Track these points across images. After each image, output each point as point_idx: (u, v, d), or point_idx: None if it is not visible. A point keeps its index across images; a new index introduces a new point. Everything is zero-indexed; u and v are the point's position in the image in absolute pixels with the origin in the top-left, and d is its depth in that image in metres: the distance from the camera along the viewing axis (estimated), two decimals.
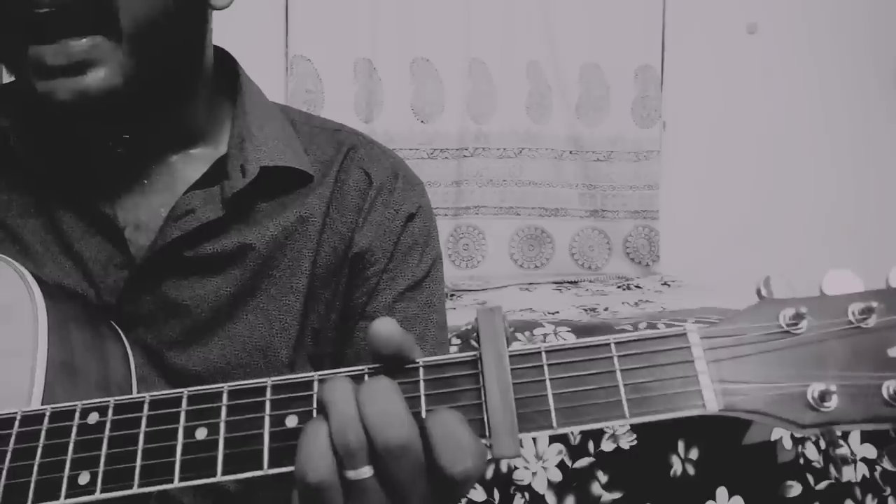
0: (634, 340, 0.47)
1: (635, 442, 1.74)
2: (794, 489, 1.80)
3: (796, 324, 0.46)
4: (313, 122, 0.86)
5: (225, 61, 0.82)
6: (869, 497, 1.83)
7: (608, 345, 0.48)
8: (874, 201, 2.86)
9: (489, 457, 0.47)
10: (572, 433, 1.73)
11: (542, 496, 1.72)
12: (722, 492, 1.77)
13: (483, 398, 0.48)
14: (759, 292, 0.47)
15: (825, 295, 0.46)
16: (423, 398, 0.49)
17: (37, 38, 0.63)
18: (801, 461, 1.80)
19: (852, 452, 1.82)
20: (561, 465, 1.73)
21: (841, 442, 0.44)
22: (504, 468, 1.72)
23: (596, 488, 1.74)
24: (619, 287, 2.60)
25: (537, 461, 1.72)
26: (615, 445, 1.74)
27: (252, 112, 0.78)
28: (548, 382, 0.48)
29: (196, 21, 0.73)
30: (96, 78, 0.65)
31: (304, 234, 0.77)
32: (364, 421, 0.47)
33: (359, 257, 0.79)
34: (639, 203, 2.77)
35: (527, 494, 1.72)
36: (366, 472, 0.47)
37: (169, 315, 0.73)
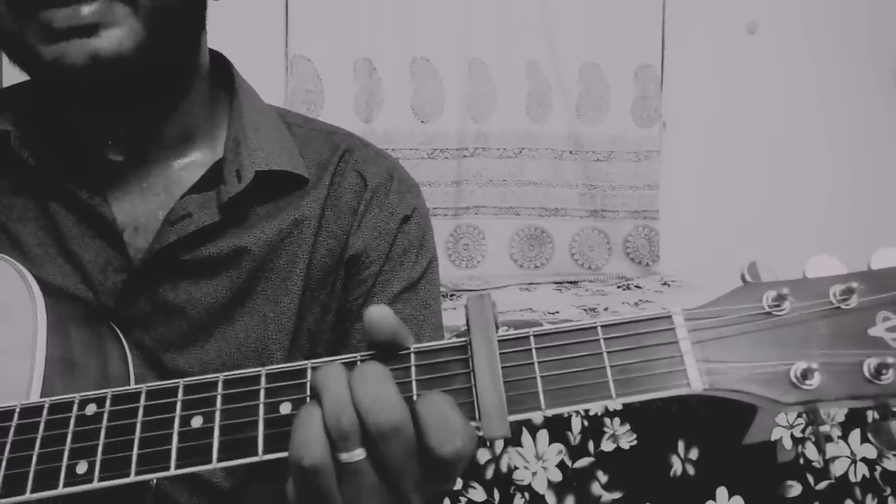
0: (621, 323, 0.49)
1: (635, 442, 1.74)
2: (794, 489, 1.80)
3: (779, 305, 0.47)
4: (310, 125, 0.86)
5: (219, 64, 0.82)
6: (869, 497, 1.84)
7: (595, 328, 0.49)
8: (874, 201, 2.86)
9: (481, 438, 0.48)
10: (572, 432, 1.73)
11: (542, 496, 1.73)
12: (722, 492, 1.78)
13: (473, 382, 0.49)
14: (743, 277, 0.48)
15: (807, 278, 0.47)
16: (414, 383, 0.50)
17: (48, 3, 0.62)
18: (801, 461, 1.80)
19: (852, 452, 1.83)
20: (561, 465, 1.73)
21: (824, 419, 0.45)
22: (504, 468, 1.72)
23: (596, 488, 1.74)
24: (619, 287, 2.60)
25: (537, 461, 1.72)
26: (615, 445, 1.74)
27: (248, 115, 0.79)
28: (536, 365, 0.49)
29: (198, 10, 0.74)
30: (110, 39, 0.64)
31: (300, 237, 0.78)
32: (356, 405, 0.48)
33: (354, 259, 0.80)
34: (639, 203, 2.77)
35: (527, 494, 1.72)
36: (358, 454, 0.48)
37: (166, 317, 0.74)
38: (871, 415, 0.46)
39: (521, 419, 0.48)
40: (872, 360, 0.44)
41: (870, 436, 0.43)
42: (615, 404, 0.46)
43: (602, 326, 0.49)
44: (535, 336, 0.49)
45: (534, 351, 0.49)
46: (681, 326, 0.48)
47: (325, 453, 0.48)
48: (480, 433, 0.48)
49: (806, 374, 0.44)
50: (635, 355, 0.48)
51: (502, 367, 0.49)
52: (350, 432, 0.47)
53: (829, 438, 0.47)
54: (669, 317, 0.48)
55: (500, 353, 0.49)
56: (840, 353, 0.44)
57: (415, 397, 0.50)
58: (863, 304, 0.46)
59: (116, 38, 0.64)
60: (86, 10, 0.62)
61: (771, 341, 0.46)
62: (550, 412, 0.47)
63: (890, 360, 0.44)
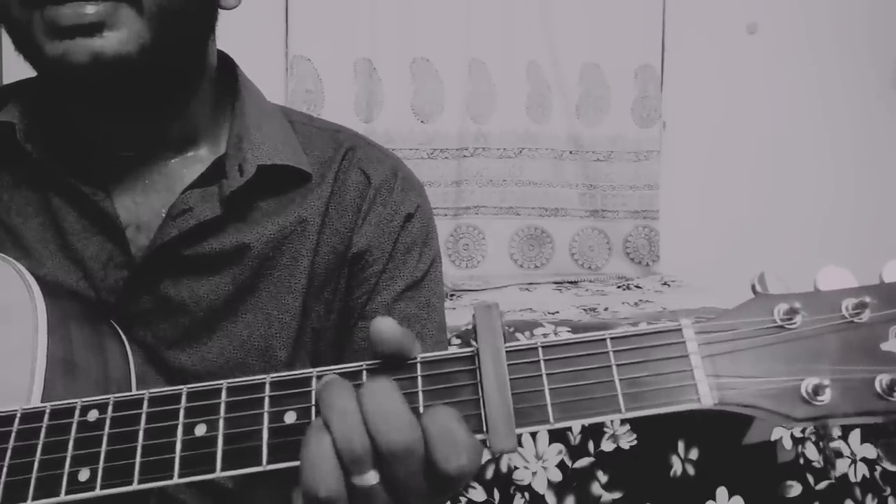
0: (630, 336, 0.48)
1: (635, 442, 1.74)
2: (794, 489, 1.80)
3: (790, 319, 0.46)
4: (313, 123, 0.86)
5: (224, 64, 0.82)
6: (869, 497, 1.83)
7: (604, 340, 0.48)
8: (874, 201, 2.86)
9: (488, 451, 0.47)
10: (572, 433, 1.73)
11: (542, 496, 1.73)
12: (722, 492, 1.78)
13: (480, 394, 0.48)
14: (753, 288, 0.47)
15: (819, 290, 0.47)
16: (420, 394, 0.50)
17: (54, 0, 0.62)
18: (801, 461, 1.80)
19: (852, 452, 1.83)
20: (561, 465, 1.73)
21: (834, 435, 0.44)
22: (504, 468, 1.72)
23: (596, 488, 1.74)
24: (619, 287, 2.60)
25: (537, 461, 1.72)
26: (615, 445, 1.74)
27: (250, 113, 0.79)
28: (544, 378, 0.48)
29: (207, 14, 0.74)
30: (113, 40, 0.64)
31: (303, 235, 0.78)
32: (367, 425, 0.47)
33: (358, 257, 0.79)
34: (639, 203, 2.77)
35: (527, 494, 1.72)
36: (372, 477, 0.47)
37: (168, 314, 0.74)
38: None
39: (528, 432, 0.47)
40: (885, 377, 0.44)
41: (880, 453, 0.43)
42: (624, 418, 0.46)
43: (611, 339, 0.48)
44: (543, 347, 0.49)
45: (542, 363, 0.49)
46: (691, 340, 0.47)
47: (339, 482, 0.47)
48: (487, 446, 0.47)
49: (817, 390, 0.44)
50: (645, 369, 0.47)
51: (510, 379, 0.48)
52: (363, 456, 0.46)
53: (839, 454, 0.47)
54: (679, 330, 0.48)
55: (508, 365, 0.48)
56: (852, 368, 0.44)
57: (421, 409, 0.49)
58: (875, 319, 0.45)
59: (119, 39, 0.64)
60: (90, 9, 0.63)
61: (782, 356, 0.46)
62: (559, 426, 0.46)
63: None
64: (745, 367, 0.46)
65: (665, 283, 2.63)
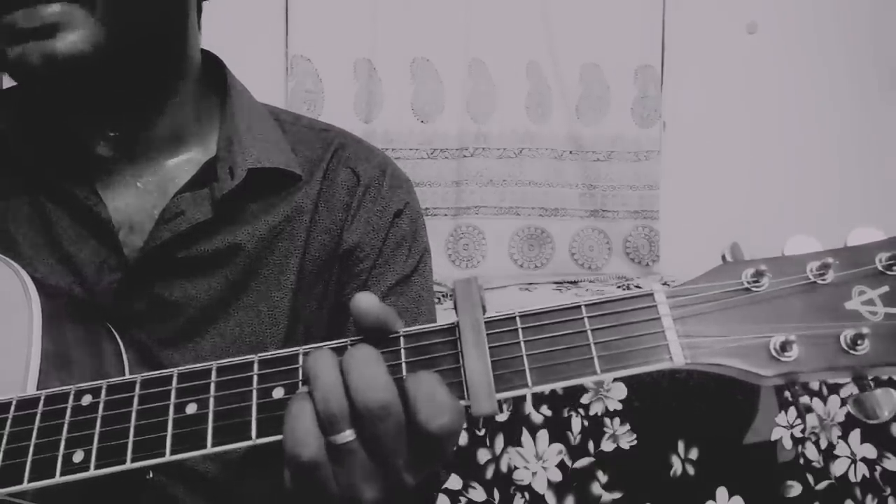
0: (604, 302, 0.50)
1: (635, 442, 1.75)
2: (794, 489, 1.81)
3: (757, 281, 0.48)
4: (302, 122, 0.87)
5: (212, 65, 0.83)
6: (869, 497, 1.84)
7: (579, 307, 0.50)
8: (874, 200, 2.86)
9: (470, 415, 0.49)
10: (572, 432, 1.74)
11: (542, 496, 1.73)
12: (722, 492, 1.78)
13: (461, 362, 0.50)
14: (723, 257, 0.49)
15: (785, 255, 0.48)
16: (404, 366, 0.51)
17: (11, 6, 0.64)
18: (801, 461, 1.81)
19: (852, 452, 1.83)
20: (561, 465, 1.73)
21: (801, 391, 0.46)
22: (504, 468, 1.72)
23: (596, 488, 1.75)
24: (619, 287, 2.60)
25: (537, 461, 1.72)
26: (615, 445, 1.75)
27: (239, 113, 0.80)
28: (522, 344, 0.50)
29: (177, 12, 0.74)
30: (65, 42, 0.65)
31: (293, 232, 0.79)
32: (346, 386, 0.48)
33: (348, 254, 0.81)
34: (639, 203, 2.77)
35: (527, 494, 1.73)
36: (348, 435, 0.48)
37: (161, 314, 0.75)
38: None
39: (508, 396, 0.48)
40: (848, 332, 0.45)
41: (849, 408, 0.44)
42: (601, 379, 0.48)
43: (586, 305, 0.50)
44: (520, 316, 0.50)
45: (520, 331, 0.50)
46: (662, 303, 0.49)
47: (320, 444, 0.48)
48: (470, 411, 0.49)
49: (784, 347, 0.45)
50: (619, 332, 0.49)
51: (489, 347, 0.49)
52: (339, 414, 0.48)
53: (808, 409, 0.48)
54: (651, 294, 0.49)
55: (487, 334, 0.50)
56: (817, 325, 0.46)
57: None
58: (839, 279, 0.47)
59: (72, 40, 0.65)
60: (43, 11, 0.64)
61: (750, 316, 0.47)
62: (537, 389, 0.48)
63: (865, 330, 0.45)
64: (714, 327, 0.47)
65: (665, 283, 2.60)
